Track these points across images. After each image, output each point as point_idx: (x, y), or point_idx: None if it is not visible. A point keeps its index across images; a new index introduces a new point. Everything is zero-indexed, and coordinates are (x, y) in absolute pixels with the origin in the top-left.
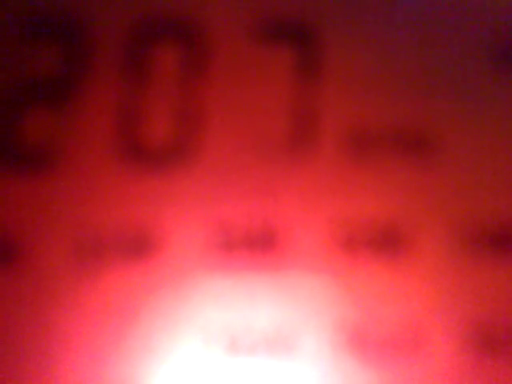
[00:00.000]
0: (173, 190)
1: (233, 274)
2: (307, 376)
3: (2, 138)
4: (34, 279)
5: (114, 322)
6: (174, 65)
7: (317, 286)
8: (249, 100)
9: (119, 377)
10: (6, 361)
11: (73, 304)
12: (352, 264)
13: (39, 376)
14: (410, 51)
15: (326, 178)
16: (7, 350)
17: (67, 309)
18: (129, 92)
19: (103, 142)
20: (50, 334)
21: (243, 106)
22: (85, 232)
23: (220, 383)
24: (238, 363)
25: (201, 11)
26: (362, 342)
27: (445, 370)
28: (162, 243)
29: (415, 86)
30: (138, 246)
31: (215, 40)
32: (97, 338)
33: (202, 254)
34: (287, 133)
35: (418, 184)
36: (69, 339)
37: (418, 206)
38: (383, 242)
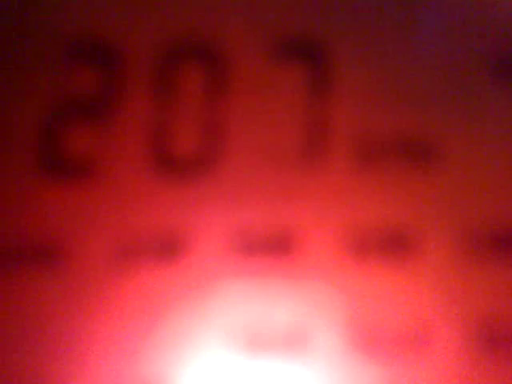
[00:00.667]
0: (198, 197)
1: (252, 277)
2: (321, 371)
3: (49, 151)
4: (76, 279)
5: (145, 319)
6: (198, 82)
7: (330, 287)
8: (266, 114)
9: (147, 372)
10: (50, 355)
11: (110, 300)
12: (363, 267)
13: (76, 370)
14: (415, 66)
15: (337, 186)
16: (52, 345)
17: (105, 305)
18: (159, 108)
19: (137, 154)
20: (87, 330)
21: (261, 120)
22: (122, 236)
23: (240, 378)
24: (256, 359)
25: (222, 33)
26: (371, 339)
27: (450, 365)
28: (189, 246)
29: (420, 97)
30: (168, 248)
31: (235, 59)
32: (129, 333)
33: (224, 257)
34: (301, 144)
35: (425, 191)
36: (101, 336)
37: (424, 211)
38: (392, 246)
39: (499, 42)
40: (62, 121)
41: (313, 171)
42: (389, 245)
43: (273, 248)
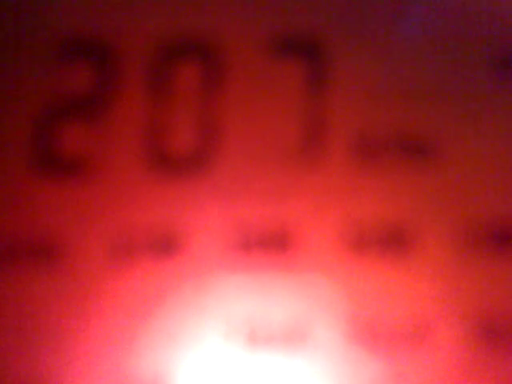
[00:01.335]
0: (195, 194)
1: (250, 272)
2: (320, 365)
3: (44, 149)
4: (72, 276)
5: (142, 315)
6: (194, 80)
7: (328, 282)
8: (263, 110)
9: (145, 368)
10: (47, 352)
11: (107, 297)
12: (361, 262)
13: (76, 364)
14: (413, 62)
15: (335, 181)
16: (49, 343)
17: (102, 301)
18: (154, 106)
19: (133, 152)
20: (85, 324)
21: (258, 116)
22: (117, 233)
23: (240, 373)
24: (256, 353)
25: (217, 30)
26: (371, 334)
27: (449, 359)
28: (186, 243)
29: (418, 94)
30: (165, 245)
31: (231, 56)
32: (126, 330)
33: (221, 252)
34: (299, 140)
35: (423, 186)
36: (99, 330)
37: (423, 207)
38: (390, 241)
39: (497, 40)
40: (57, 118)
41: (310, 167)
42: (387, 240)
43: (270, 244)
